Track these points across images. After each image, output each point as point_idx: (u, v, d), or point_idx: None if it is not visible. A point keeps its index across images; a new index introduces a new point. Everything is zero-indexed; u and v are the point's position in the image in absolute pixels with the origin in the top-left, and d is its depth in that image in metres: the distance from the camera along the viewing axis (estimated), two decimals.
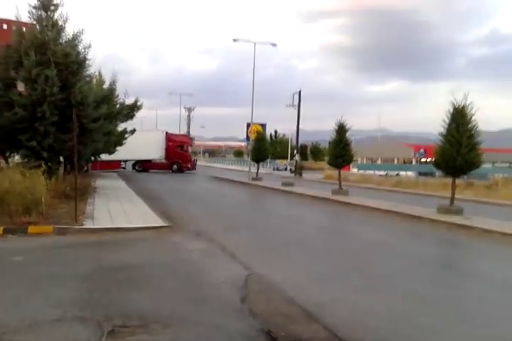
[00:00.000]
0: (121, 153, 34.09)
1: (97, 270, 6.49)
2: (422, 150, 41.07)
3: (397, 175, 42.03)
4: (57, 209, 11.49)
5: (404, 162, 61.98)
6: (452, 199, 14.07)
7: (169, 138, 40.03)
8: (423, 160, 46.58)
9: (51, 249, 8.01)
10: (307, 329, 4.62)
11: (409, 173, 41.72)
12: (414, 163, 52.74)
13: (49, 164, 13.52)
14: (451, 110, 13.58)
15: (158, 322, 4.54)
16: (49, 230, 9.20)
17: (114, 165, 37.28)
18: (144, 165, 39.76)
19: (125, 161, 39.78)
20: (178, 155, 39.82)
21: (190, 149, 42.70)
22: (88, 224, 9.95)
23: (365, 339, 4.36)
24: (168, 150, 39.37)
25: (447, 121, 13.72)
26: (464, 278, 7.16)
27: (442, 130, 13.86)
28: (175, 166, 39.75)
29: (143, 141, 36.31)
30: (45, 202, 10.42)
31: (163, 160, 39.68)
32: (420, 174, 37.42)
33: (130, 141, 34.22)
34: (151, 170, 39.29)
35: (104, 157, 31.77)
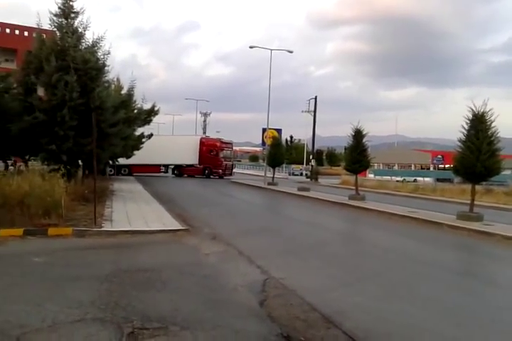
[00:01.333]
0: (161, 158, 36.16)
1: (115, 272, 6.52)
2: (439, 157, 40.56)
3: (415, 181, 41.65)
4: (76, 211, 11.63)
5: (422, 168, 61.42)
6: (472, 205, 13.86)
7: (202, 142, 39.17)
8: (441, 166, 46.07)
9: (71, 251, 8.09)
10: (326, 334, 4.58)
11: (427, 179, 41.28)
12: (431, 169, 52.20)
13: (68, 167, 13.71)
14: (471, 116, 13.42)
15: (176, 324, 4.54)
16: (68, 232, 9.31)
17: (154, 169, 37.85)
18: (180, 170, 39.52)
19: (165, 166, 39.49)
20: (209, 159, 38.59)
21: (222, 154, 39.61)
22: (107, 227, 10.04)
23: None
24: (201, 155, 38.57)
25: (466, 127, 13.56)
26: (484, 286, 7.03)
27: (461, 136, 13.70)
28: (206, 171, 38.89)
29: (180, 145, 37.21)
30: (65, 204, 10.54)
31: (198, 165, 38.96)
32: (438, 180, 36.96)
33: (168, 145, 36.26)
34: (186, 175, 39.07)
35: (145, 161, 34.65)
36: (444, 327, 4.91)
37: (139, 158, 32.51)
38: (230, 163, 41.77)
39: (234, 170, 45.35)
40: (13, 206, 9.98)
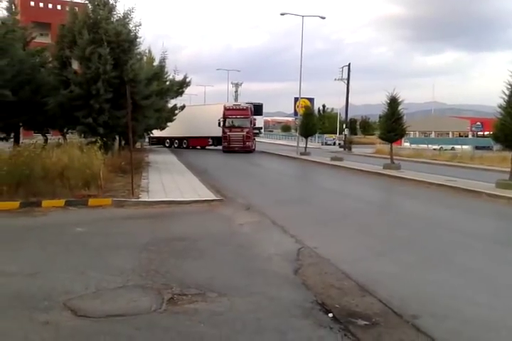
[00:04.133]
0: (208, 130, 34.09)
1: (154, 241, 6.74)
2: (478, 124, 39.16)
3: (452, 149, 40.53)
4: (114, 182, 11.97)
5: (460, 135, 59.61)
6: None
7: (224, 112, 32.95)
8: (480, 133, 44.53)
9: (110, 221, 8.39)
10: (361, 302, 4.62)
11: (465, 147, 40.06)
12: (470, 136, 50.60)
13: (105, 140, 14.01)
14: None
15: (214, 291, 4.68)
16: (108, 203, 9.62)
17: (204, 142, 36.13)
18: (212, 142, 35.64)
19: (212, 138, 35.22)
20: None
21: (228, 122, 32.63)
22: (144, 197, 10.31)
23: (421, 314, 4.31)
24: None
25: (507, 92, 12.97)
26: None
27: (501, 102, 13.15)
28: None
29: (210, 115, 33.40)
30: (103, 176, 10.85)
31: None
32: (477, 148, 35.84)
33: (200, 115, 34.32)
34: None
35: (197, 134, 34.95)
36: (480, 296, 4.87)
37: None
38: (242, 133, 32.37)
39: (267, 141, 42.47)
40: (54, 178, 10.34)
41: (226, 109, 32.82)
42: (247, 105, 34.22)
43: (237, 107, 33.94)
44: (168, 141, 38.77)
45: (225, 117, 32.47)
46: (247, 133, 32.57)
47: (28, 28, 17.46)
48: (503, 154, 22.06)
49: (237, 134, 32.30)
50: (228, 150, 32.11)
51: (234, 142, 32.26)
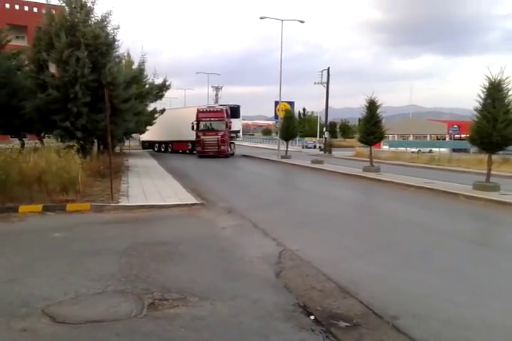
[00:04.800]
0: (187, 134, 31.87)
1: (134, 245, 6.66)
2: (455, 127, 39.94)
3: (430, 151, 41.19)
4: (93, 187, 11.81)
5: (438, 138, 60.63)
6: (488, 175, 13.71)
7: (198, 115, 30.92)
8: (457, 136, 45.36)
9: (90, 226, 8.26)
10: (342, 303, 4.65)
11: (443, 150, 40.75)
12: (447, 139, 51.50)
13: (83, 144, 13.83)
14: (487, 85, 13.10)
15: (195, 295, 4.65)
16: (86, 207, 9.49)
17: (185, 146, 34.74)
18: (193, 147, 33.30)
19: (191, 142, 32.92)
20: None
21: (202, 125, 30.58)
22: (124, 202, 10.20)
23: (401, 315, 4.36)
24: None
25: (483, 96, 13.27)
26: (501, 255, 7.02)
27: (477, 105, 13.43)
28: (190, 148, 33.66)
29: (187, 119, 31.29)
30: (81, 180, 10.71)
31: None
32: (454, 150, 36.50)
33: (183, 119, 32.38)
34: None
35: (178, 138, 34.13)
36: (458, 296, 4.95)
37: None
38: (216, 136, 30.15)
39: (248, 144, 41.53)
40: (31, 183, 10.17)
41: (199, 112, 30.97)
42: (221, 107, 32.31)
43: (211, 109, 31.82)
44: (157, 145, 38.64)
45: (198, 120, 30.64)
46: (222, 136, 30.41)
47: (3, 31, 17.17)
48: (479, 156, 22.56)
49: (211, 138, 30.26)
50: (202, 154, 30.16)
51: (208, 147, 30.25)
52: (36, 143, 18.49)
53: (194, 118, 31.12)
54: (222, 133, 30.39)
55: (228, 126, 31.28)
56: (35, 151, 12.44)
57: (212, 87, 73.53)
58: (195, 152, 31.78)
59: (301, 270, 5.81)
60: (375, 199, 14.28)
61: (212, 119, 30.73)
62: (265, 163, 28.02)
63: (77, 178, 10.51)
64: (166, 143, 37.19)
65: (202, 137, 30.31)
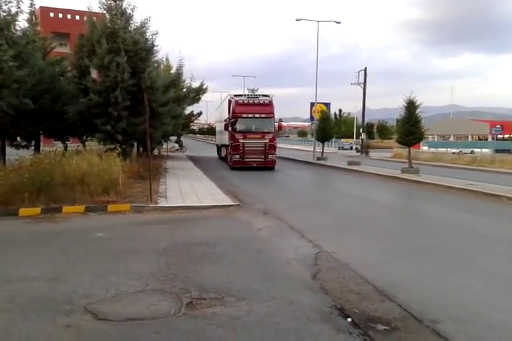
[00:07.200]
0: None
1: (172, 245, 6.78)
2: (498, 126, 38.52)
3: (472, 152, 39.97)
4: (133, 188, 12.10)
5: (479, 139, 58.73)
6: None
7: (234, 108, 23.46)
8: (500, 136, 43.81)
9: (130, 226, 8.47)
10: (380, 307, 4.58)
11: (485, 150, 39.45)
12: (490, 139, 49.82)
13: (123, 146, 14.19)
14: None
15: (232, 295, 4.69)
16: (127, 208, 9.74)
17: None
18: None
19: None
20: None
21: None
22: (162, 203, 10.40)
23: (442, 319, 4.25)
24: None
25: None
26: None
27: None
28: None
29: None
30: (122, 182, 10.98)
31: None
32: (497, 151, 35.24)
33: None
34: None
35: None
36: (503, 302, 4.78)
37: None
38: (263, 141, 22.60)
39: (283, 146, 35.38)
40: (74, 184, 10.52)
41: (237, 104, 22.83)
42: (268, 98, 23.48)
43: (254, 101, 23.14)
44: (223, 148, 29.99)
45: (235, 116, 22.73)
46: (271, 141, 22.69)
47: (47, 39, 17.85)
48: None
49: (255, 143, 22.35)
50: (241, 166, 22.20)
51: (250, 155, 22.32)
52: (78, 146, 19.10)
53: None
54: (270, 136, 22.72)
55: (279, 125, 24.55)
56: (77, 154, 12.86)
57: (247, 89, 73.88)
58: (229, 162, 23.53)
59: (338, 272, 5.76)
60: (414, 202, 13.97)
61: (256, 115, 22.70)
62: (301, 165, 27.90)
63: (118, 180, 10.79)
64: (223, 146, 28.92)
65: (241, 141, 22.28)
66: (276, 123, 23.48)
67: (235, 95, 23.99)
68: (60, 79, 16.29)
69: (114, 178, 10.76)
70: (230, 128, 22.90)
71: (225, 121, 23.16)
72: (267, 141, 22.52)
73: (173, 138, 33.99)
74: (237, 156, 22.32)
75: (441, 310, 4.52)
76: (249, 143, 22.30)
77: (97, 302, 4.48)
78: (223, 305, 4.44)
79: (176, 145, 40.77)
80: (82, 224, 8.54)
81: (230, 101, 23.88)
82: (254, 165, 22.27)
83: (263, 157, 22.52)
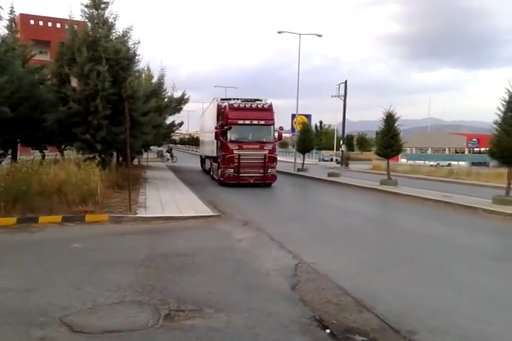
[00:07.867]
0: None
1: (151, 256, 6.72)
2: (474, 140, 39.41)
3: (449, 165, 40.72)
4: (112, 198, 11.96)
5: (456, 152, 59.96)
6: (508, 189, 13.47)
7: (227, 113, 19.70)
8: (476, 149, 44.80)
9: (107, 237, 8.36)
10: (358, 318, 4.61)
11: (462, 163, 40.25)
12: (466, 152, 50.91)
13: (102, 156, 14.04)
14: (507, 98, 12.98)
15: (211, 306, 4.66)
16: (105, 219, 9.61)
17: None
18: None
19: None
20: None
21: None
22: (141, 213, 10.30)
23: (419, 330, 4.30)
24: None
25: (503, 109, 13.14)
26: None
27: (497, 119, 13.30)
28: None
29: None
30: (100, 192, 10.85)
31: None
32: (473, 164, 36.01)
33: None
34: None
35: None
36: (478, 312, 4.86)
37: None
38: (262, 152, 19.26)
39: None
40: (51, 194, 10.36)
41: (230, 109, 19.31)
42: (268, 102, 20.17)
43: (252, 106, 19.70)
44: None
45: (227, 122, 19.21)
46: (271, 152, 19.43)
47: (27, 46, 17.65)
48: (499, 170, 22.19)
49: (253, 154, 19.03)
50: (235, 181, 18.85)
51: (246, 168, 19.01)
52: (57, 155, 18.82)
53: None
54: (270, 146, 19.48)
55: (278, 134, 20.62)
56: (55, 163, 12.68)
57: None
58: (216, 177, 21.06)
59: (317, 283, 5.78)
60: (392, 213, 14.14)
61: (254, 122, 19.38)
62: (281, 176, 27.86)
63: (96, 190, 10.66)
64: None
65: (236, 152, 18.83)
66: (276, 132, 20.02)
67: (222, 99, 21.34)
68: (40, 87, 16.09)
69: (93, 188, 10.62)
70: (221, 137, 19.37)
71: (216, 128, 19.91)
72: (267, 152, 19.19)
73: (161, 148, 33.97)
74: (231, 170, 18.84)
75: (419, 320, 4.57)
76: (245, 155, 18.87)
77: (73, 314, 4.40)
78: (202, 316, 4.41)
79: (168, 155, 42.40)
80: (58, 235, 8.40)
81: (219, 106, 20.72)
82: (252, 181, 19.03)
83: (262, 171, 19.15)
